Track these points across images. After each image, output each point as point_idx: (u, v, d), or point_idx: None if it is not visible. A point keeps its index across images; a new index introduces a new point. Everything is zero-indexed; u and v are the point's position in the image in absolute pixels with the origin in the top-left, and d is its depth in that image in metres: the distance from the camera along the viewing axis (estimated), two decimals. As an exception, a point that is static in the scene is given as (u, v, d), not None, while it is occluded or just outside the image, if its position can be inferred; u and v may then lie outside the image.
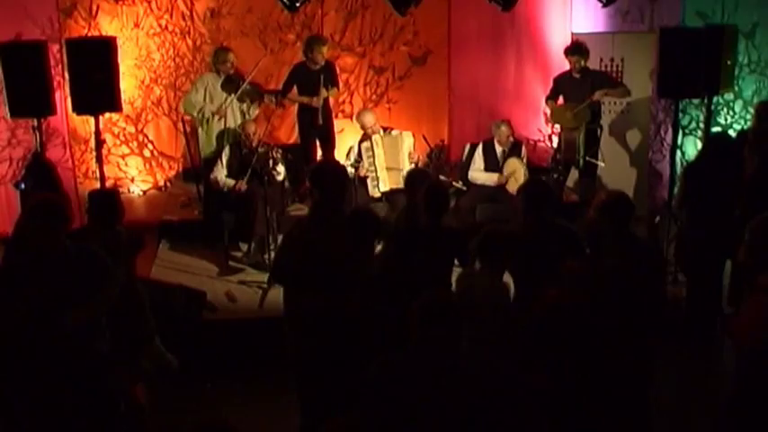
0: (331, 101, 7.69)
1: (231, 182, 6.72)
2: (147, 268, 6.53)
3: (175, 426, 4.72)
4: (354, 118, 7.34)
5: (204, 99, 7.14)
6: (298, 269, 4.18)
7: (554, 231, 4.47)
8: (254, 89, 7.23)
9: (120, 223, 4.78)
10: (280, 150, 6.66)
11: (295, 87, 7.40)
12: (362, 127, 7.00)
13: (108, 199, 4.88)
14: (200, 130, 7.31)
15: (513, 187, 6.85)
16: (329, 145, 7.64)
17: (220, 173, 6.78)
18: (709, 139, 7.06)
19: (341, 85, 7.89)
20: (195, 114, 7.23)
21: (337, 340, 4.07)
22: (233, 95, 7.08)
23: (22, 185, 6.06)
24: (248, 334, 5.68)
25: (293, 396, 5.09)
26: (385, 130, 7.13)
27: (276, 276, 4.64)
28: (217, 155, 6.98)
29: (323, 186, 4.29)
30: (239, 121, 7.15)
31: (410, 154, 6.98)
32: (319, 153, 7.73)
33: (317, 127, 7.40)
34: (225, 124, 7.14)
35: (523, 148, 7.11)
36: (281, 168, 6.70)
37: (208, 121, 7.17)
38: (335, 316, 4.09)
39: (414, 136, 7.16)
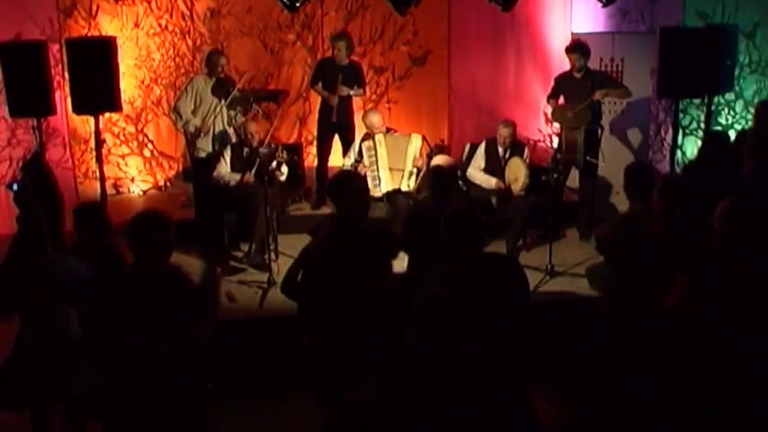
0: (355, 101, 7.66)
1: (237, 175, 6.68)
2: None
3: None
4: (361, 117, 7.33)
5: (194, 104, 6.98)
6: (309, 285, 4.08)
7: (487, 265, 3.82)
8: (244, 96, 7.15)
9: (109, 236, 4.76)
10: (286, 152, 6.64)
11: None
12: (370, 127, 6.99)
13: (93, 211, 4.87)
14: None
15: (514, 187, 6.84)
16: (345, 143, 7.51)
17: (224, 169, 6.76)
18: (706, 138, 7.06)
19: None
20: (180, 126, 7.08)
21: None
22: (223, 103, 6.96)
23: (14, 186, 6.04)
24: (248, 334, 5.68)
25: (293, 396, 5.11)
26: (388, 130, 7.13)
27: (285, 290, 4.43)
28: (215, 155, 6.95)
29: (342, 198, 4.15)
30: (225, 126, 7.09)
31: (415, 158, 6.94)
32: (334, 150, 7.71)
33: (332, 124, 7.39)
34: (212, 131, 7.02)
35: (526, 150, 7.09)
36: (284, 169, 6.69)
37: (192, 135, 7.01)
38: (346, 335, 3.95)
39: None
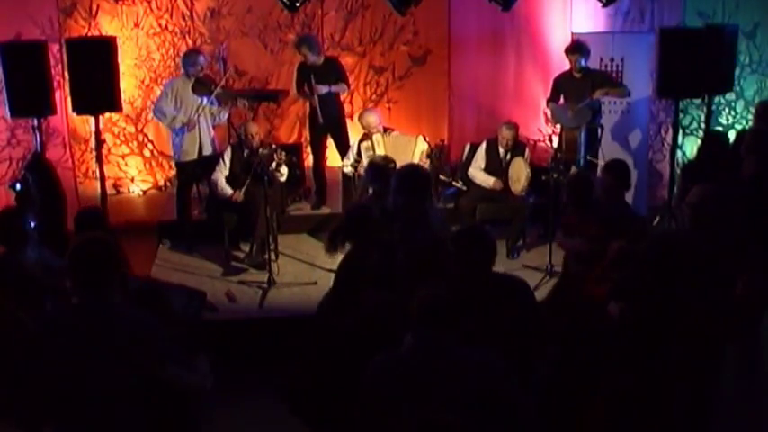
0: (355, 101, 7.60)
1: (229, 191, 6.69)
2: (147, 268, 6.54)
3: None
4: (358, 117, 7.31)
5: (176, 105, 6.87)
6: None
7: (495, 285, 3.66)
8: (227, 92, 7.10)
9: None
10: (284, 153, 6.65)
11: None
12: (366, 126, 6.97)
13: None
14: (173, 135, 7.03)
15: (514, 188, 6.85)
16: (338, 142, 7.49)
17: (222, 175, 6.76)
18: (706, 137, 7.07)
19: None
20: (166, 125, 6.99)
21: None
22: (205, 101, 6.87)
23: (18, 186, 6.05)
24: (248, 334, 5.68)
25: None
26: (385, 130, 7.11)
27: None
28: (215, 156, 6.95)
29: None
30: (210, 125, 7.05)
31: (421, 161, 6.88)
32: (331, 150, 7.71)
33: (319, 125, 7.37)
34: (199, 133, 6.94)
35: (527, 151, 7.09)
36: (284, 170, 6.69)
37: (182, 131, 6.92)
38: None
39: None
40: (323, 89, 7.18)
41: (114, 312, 3.12)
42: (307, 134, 8.31)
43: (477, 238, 3.64)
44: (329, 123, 7.36)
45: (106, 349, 3.02)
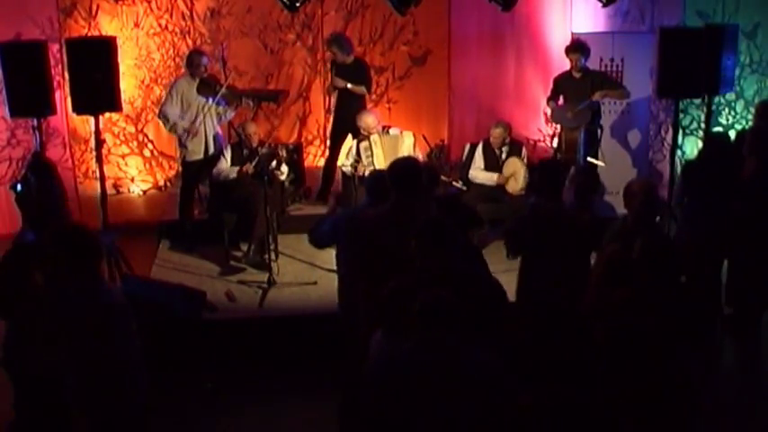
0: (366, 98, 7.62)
1: (236, 168, 6.70)
2: (147, 268, 6.54)
3: (175, 426, 4.72)
4: (356, 119, 7.32)
5: (181, 107, 6.85)
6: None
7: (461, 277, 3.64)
8: (231, 92, 7.07)
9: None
10: (285, 150, 6.63)
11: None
12: (366, 128, 6.97)
13: None
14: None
15: (512, 187, 6.85)
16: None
17: (224, 164, 6.77)
18: (707, 138, 7.07)
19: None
20: (168, 129, 6.99)
21: None
22: (211, 101, 6.85)
23: (18, 187, 6.04)
24: (248, 334, 5.69)
25: (293, 396, 5.12)
26: (384, 128, 7.12)
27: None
28: (215, 155, 6.95)
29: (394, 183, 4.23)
30: (216, 125, 7.05)
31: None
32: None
33: (340, 123, 7.40)
34: (204, 133, 6.91)
35: (524, 149, 7.10)
36: (284, 169, 6.69)
37: (181, 138, 6.92)
38: None
39: (414, 136, 7.12)
40: (340, 83, 7.25)
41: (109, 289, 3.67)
42: (306, 134, 8.34)
43: (436, 230, 3.66)
44: (351, 123, 7.37)
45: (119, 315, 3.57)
